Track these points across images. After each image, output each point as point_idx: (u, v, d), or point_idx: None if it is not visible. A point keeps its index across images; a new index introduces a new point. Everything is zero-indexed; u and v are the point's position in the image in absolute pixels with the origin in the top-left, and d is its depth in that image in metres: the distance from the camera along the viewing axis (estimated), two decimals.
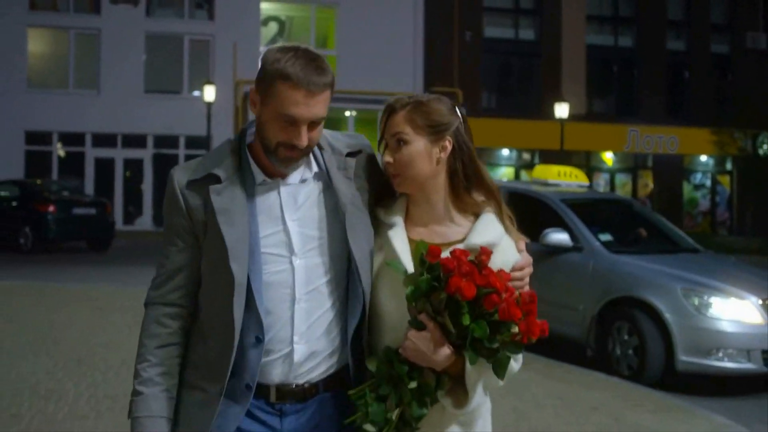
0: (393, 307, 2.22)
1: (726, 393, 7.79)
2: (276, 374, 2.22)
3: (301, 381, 2.24)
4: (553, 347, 8.11)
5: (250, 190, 2.23)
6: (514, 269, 2.24)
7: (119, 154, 27.13)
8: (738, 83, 31.20)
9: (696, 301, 7.54)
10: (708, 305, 7.50)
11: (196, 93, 26.53)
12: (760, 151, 28.34)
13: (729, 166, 31.73)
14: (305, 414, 2.26)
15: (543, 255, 8.21)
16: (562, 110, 26.10)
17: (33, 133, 26.65)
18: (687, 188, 31.91)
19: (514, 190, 9.48)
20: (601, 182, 31.01)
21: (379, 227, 2.34)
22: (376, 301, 2.27)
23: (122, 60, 26.70)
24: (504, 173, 29.53)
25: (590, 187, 10.18)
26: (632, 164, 31.49)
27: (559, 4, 29.61)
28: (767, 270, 9.36)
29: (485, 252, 2.09)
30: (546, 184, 9.73)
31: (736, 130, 27.82)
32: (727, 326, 7.46)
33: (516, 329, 2.03)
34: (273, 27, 29.61)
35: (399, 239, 2.28)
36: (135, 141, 27.04)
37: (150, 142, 27.04)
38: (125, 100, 26.34)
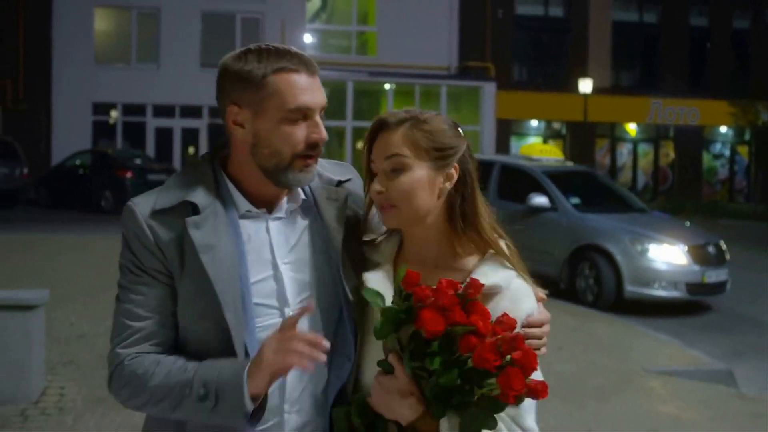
0: (372, 356, 1.84)
1: (659, 315, 10.25)
2: None
3: None
4: (534, 283, 10.45)
5: (234, 224, 1.82)
6: (531, 324, 1.83)
7: (177, 124, 27.94)
8: (757, 57, 31.91)
9: (639, 247, 10.24)
10: (647, 250, 10.20)
11: None
12: None
13: (747, 136, 32.21)
14: None
15: (528, 214, 10.78)
16: (585, 85, 26.73)
17: (99, 105, 27.33)
18: (707, 158, 32.64)
19: (507, 163, 11.93)
20: (624, 152, 31.93)
21: (366, 266, 1.94)
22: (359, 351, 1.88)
23: (180, 36, 27.38)
24: (533, 141, 30.56)
25: (564, 161, 12.71)
26: (654, 135, 32.14)
27: None
28: (700, 226, 12.15)
29: (474, 285, 1.69)
30: (531, 159, 12.21)
31: (755, 102, 28.21)
32: (661, 265, 10.15)
33: (493, 381, 1.63)
34: (316, 2, 30.18)
35: (376, 281, 1.86)
36: (192, 112, 27.73)
37: (206, 112, 27.61)
38: (183, 74, 26.96)
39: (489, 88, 28.63)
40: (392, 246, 1.94)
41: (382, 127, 1.87)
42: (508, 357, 1.62)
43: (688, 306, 10.65)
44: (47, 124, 27.13)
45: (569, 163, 13.24)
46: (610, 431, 5.90)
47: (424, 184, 1.83)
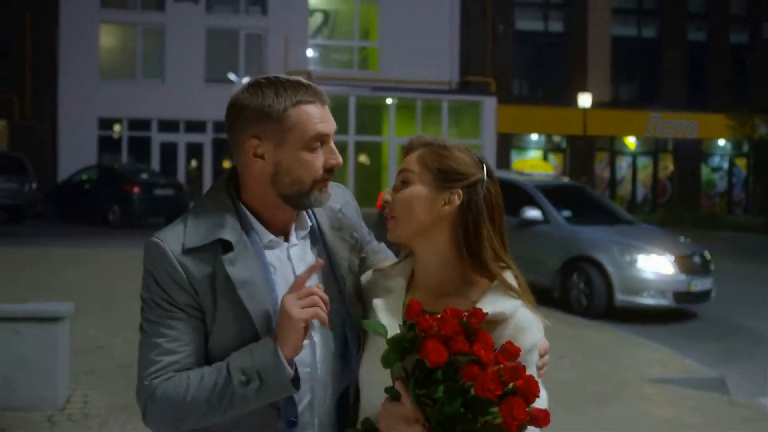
0: (375, 380, 1.86)
1: (649, 322, 10.68)
2: None
3: None
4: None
5: (261, 255, 1.89)
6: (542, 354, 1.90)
7: (182, 139, 28.21)
8: (755, 71, 32.14)
9: (628, 258, 10.72)
10: (636, 260, 10.67)
11: None
12: None
13: (745, 149, 32.28)
14: None
15: (522, 226, 11.20)
16: (585, 100, 26.88)
17: (104, 119, 27.63)
18: (705, 171, 32.76)
19: (501, 178, 12.30)
20: (624, 165, 32.07)
21: (376, 293, 1.98)
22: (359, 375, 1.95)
23: (184, 52, 27.82)
24: (533, 156, 30.47)
25: (557, 176, 13.25)
26: (653, 148, 32.21)
27: None
28: (696, 239, 12.60)
29: (477, 314, 1.69)
30: (522, 173, 12.68)
31: (753, 116, 28.16)
32: (649, 275, 10.63)
33: (496, 410, 1.63)
34: (318, 18, 30.45)
35: (386, 308, 1.92)
36: (196, 126, 28.06)
37: (210, 127, 27.98)
38: (187, 89, 27.34)
39: (489, 103, 28.93)
40: (405, 273, 1.97)
41: (407, 148, 1.97)
42: (510, 385, 1.64)
43: (676, 314, 11.07)
44: (53, 139, 27.47)
45: (565, 179, 13.74)
46: None
47: (421, 201, 1.87)
